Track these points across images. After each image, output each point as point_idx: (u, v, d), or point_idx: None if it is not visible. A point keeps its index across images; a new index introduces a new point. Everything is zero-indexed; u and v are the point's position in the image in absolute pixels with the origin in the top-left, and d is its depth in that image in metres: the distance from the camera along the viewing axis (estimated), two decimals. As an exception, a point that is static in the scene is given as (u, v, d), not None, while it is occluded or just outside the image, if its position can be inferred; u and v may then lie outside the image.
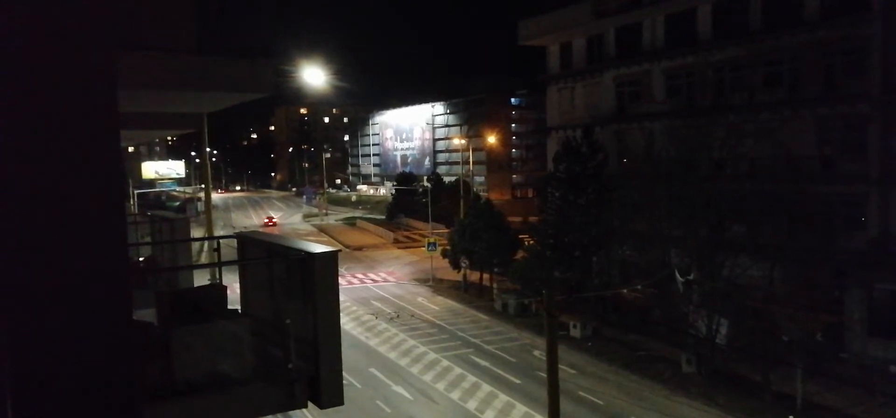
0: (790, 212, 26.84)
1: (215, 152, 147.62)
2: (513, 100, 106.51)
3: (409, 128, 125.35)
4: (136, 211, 35.09)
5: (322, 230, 77.64)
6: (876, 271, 25.95)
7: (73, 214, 2.54)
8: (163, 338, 4.83)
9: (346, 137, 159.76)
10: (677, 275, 27.53)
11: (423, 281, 46.22)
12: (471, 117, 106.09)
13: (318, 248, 5.18)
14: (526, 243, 39.97)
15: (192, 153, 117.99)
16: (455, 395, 25.50)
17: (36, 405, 2.46)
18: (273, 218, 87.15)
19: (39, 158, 2.50)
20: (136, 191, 63.69)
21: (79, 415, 2.53)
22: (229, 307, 5.78)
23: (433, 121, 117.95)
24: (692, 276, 27.13)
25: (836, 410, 21.95)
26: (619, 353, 29.25)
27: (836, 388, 23.97)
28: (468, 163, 65.14)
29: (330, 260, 5.03)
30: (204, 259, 20.57)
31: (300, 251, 5.23)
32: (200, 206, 75.62)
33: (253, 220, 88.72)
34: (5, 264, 2.45)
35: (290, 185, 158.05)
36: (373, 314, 37.57)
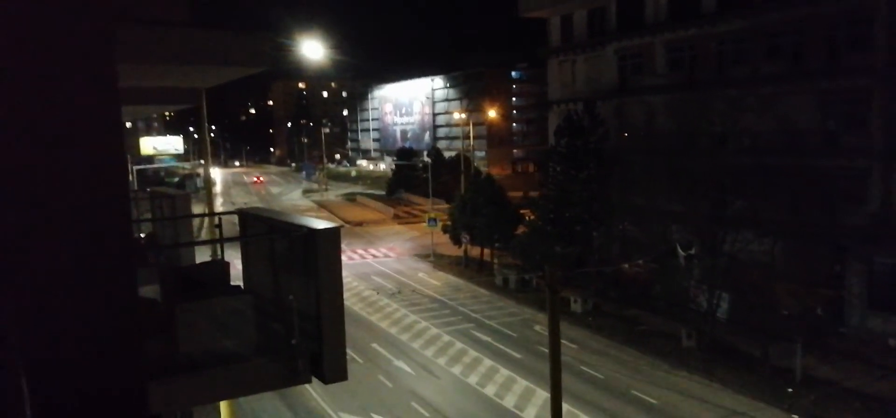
0: (792, 187, 26.78)
1: (213, 128, 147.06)
2: (513, 73, 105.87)
3: (409, 103, 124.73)
4: (136, 187, 35.02)
5: (322, 206, 77.64)
6: (877, 245, 25.97)
7: (77, 192, 2.50)
8: (166, 315, 4.81)
9: (346, 112, 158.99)
10: (679, 250, 27.55)
11: (423, 256, 46.32)
12: (471, 91, 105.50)
13: (321, 224, 5.13)
14: (527, 218, 39.97)
15: (190, 128, 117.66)
16: (456, 370, 25.68)
17: (48, 381, 2.44)
18: (260, 177, 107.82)
19: (41, 135, 2.44)
20: (135, 168, 63.55)
21: (88, 392, 2.53)
22: (232, 283, 5.75)
23: (433, 95, 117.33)
24: (693, 251, 27.15)
25: (834, 383, 22.12)
26: (619, 328, 29.41)
27: (834, 362, 24.13)
28: (468, 137, 64.86)
29: (332, 236, 4.98)
30: (205, 235, 20.55)
31: (302, 227, 5.18)
32: (199, 182, 75.61)
33: (253, 196, 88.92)
34: (10, 245, 2.41)
35: (289, 161, 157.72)
36: (374, 289, 37.70)
